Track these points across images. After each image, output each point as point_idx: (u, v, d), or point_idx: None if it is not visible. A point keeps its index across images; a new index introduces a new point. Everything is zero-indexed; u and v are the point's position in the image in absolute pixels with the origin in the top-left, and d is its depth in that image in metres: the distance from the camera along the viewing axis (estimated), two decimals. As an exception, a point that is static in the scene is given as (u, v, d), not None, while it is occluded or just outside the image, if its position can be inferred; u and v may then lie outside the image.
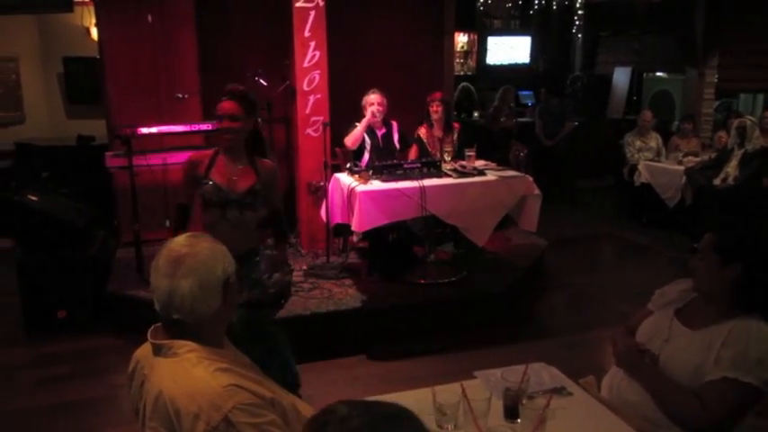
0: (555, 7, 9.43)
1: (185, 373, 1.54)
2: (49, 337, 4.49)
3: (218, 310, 1.61)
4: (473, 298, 4.57)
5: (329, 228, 4.83)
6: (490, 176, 4.55)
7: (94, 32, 8.07)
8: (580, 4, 9.27)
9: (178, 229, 3.01)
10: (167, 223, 5.12)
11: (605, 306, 5.01)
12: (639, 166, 7.23)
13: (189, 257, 1.58)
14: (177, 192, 5.19)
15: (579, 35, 10.03)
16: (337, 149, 5.28)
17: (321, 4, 4.98)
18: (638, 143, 7.46)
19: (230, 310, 1.69)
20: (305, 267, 4.91)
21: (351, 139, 4.93)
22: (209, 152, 3.10)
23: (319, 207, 4.97)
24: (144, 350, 1.70)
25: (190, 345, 1.58)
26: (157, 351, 1.61)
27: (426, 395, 1.93)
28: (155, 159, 4.65)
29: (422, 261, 4.84)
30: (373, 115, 4.84)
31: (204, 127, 4.80)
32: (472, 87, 9.32)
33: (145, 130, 4.50)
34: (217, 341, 1.66)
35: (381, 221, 4.24)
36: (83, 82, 8.13)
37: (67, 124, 8.21)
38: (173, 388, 1.52)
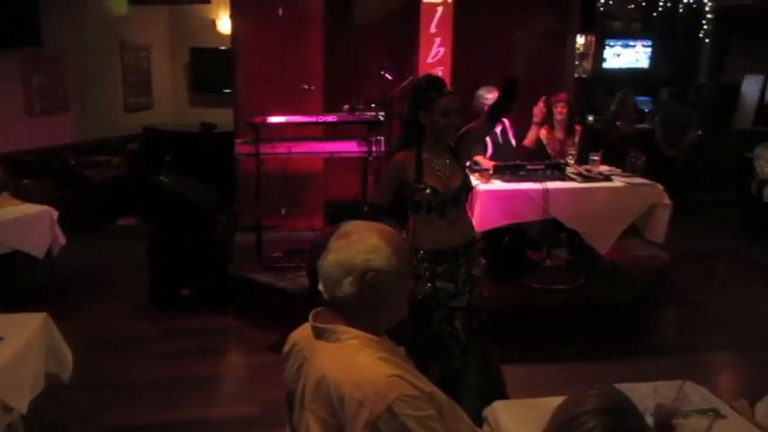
0: (681, 10, 8.98)
1: (349, 359, 1.54)
2: (174, 313, 4.72)
3: (352, 297, 1.58)
4: (591, 307, 4.41)
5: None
6: (617, 183, 4.37)
7: (220, 25, 8.44)
8: (710, 7, 8.78)
9: None
10: (283, 211, 5.27)
11: (730, 328, 4.71)
12: (771, 182, 6.76)
13: (346, 238, 1.61)
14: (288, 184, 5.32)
15: (707, 40, 9.51)
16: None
17: (450, 0, 4.95)
18: (770, 156, 6.97)
19: (382, 308, 1.64)
20: (417, 264, 4.90)
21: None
22: (410, 152, 2.86)
23: (435, 204, 4.94)
24: (302, 332, 1.72)
25: (353, 331, 1.59)
26: (320, 334, 1.62)
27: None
28: (280, 148, 4.77)
29: (537, 266, 4.73)
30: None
31: (330, 118, 4.88)
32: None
33: (274, 119, 4.62)
34: (376, 331, 1.66)
35: (501, 222, 4.16)
36: (206, 72, 8.49)
37: (190, 112, 8.61)
38: (337, 373, 1.53)
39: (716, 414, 2.04)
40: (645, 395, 2.07)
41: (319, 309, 1.69)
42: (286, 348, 1.77)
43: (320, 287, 1.63)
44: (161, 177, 4.90)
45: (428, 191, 2.78)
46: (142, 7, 7.73)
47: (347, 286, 1.59)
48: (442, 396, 1.65)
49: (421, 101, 2.79)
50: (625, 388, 2.18)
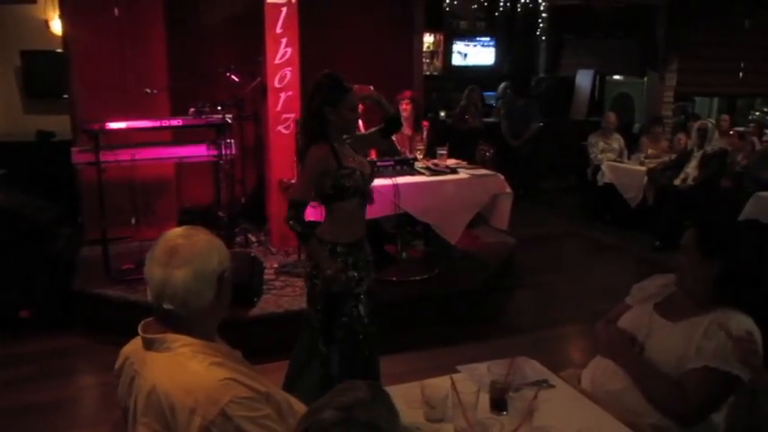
0: (520, 10, 9.59)
1: (180, 367, 1.51)
2: (12, 337, 4.35)
3: (211, 303, 1.59)
4: (445, 296, 4.60)
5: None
6: (463, 175, 4.59)
7: (54, 26, 7.86)
8: (544, 7, 9.44)
9: (305, 228, 2.81)
10: (133, 221, 5.02)
11: (573, 303, 5.10)
12: (603, 167, 7.39)
13: (184, 247, 1.56)
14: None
15: (543, 38, 10.22)
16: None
17: (293, 1, 4.94)
18: (601, 144, 7.63)
19: (224, 304, 1.66)
20: (276, 265, 4.87)
21: None
22: (322, 145, 2.82)
23: (290, 205, 4.93)
24: (134, 345, 1.66)
25: (184, 339, 1.56)
26: (149, 345, 1.58)
27: (414, 389, 1.95)
28: (123, 155, 4.53)
29: (394, 259, 4.86)
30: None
31: (175, 122, 4.71)
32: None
33: (114, 125, 4.39)
34: (210, 335, 1.64)
35: (356, 219, 4.22)
36: (41, 76, 7.88)
37: (25, 119, 7.95)
38: (167, 383, 1.50)
39: (547, 385, 2.20)
40: (483, 374, 2.19)
41: (149, 319, 1.65)
42: (118, 364, 1.71)
43: (169, 305, 1.55)
44: (-12, 193, 4.50)
45: (358, 173, 2.84)
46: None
47: (209, 294, 1.57)
48: (280, 395, 1.67)
49: (329, 98, 2.82)
50: (465, 369, 2.31)
